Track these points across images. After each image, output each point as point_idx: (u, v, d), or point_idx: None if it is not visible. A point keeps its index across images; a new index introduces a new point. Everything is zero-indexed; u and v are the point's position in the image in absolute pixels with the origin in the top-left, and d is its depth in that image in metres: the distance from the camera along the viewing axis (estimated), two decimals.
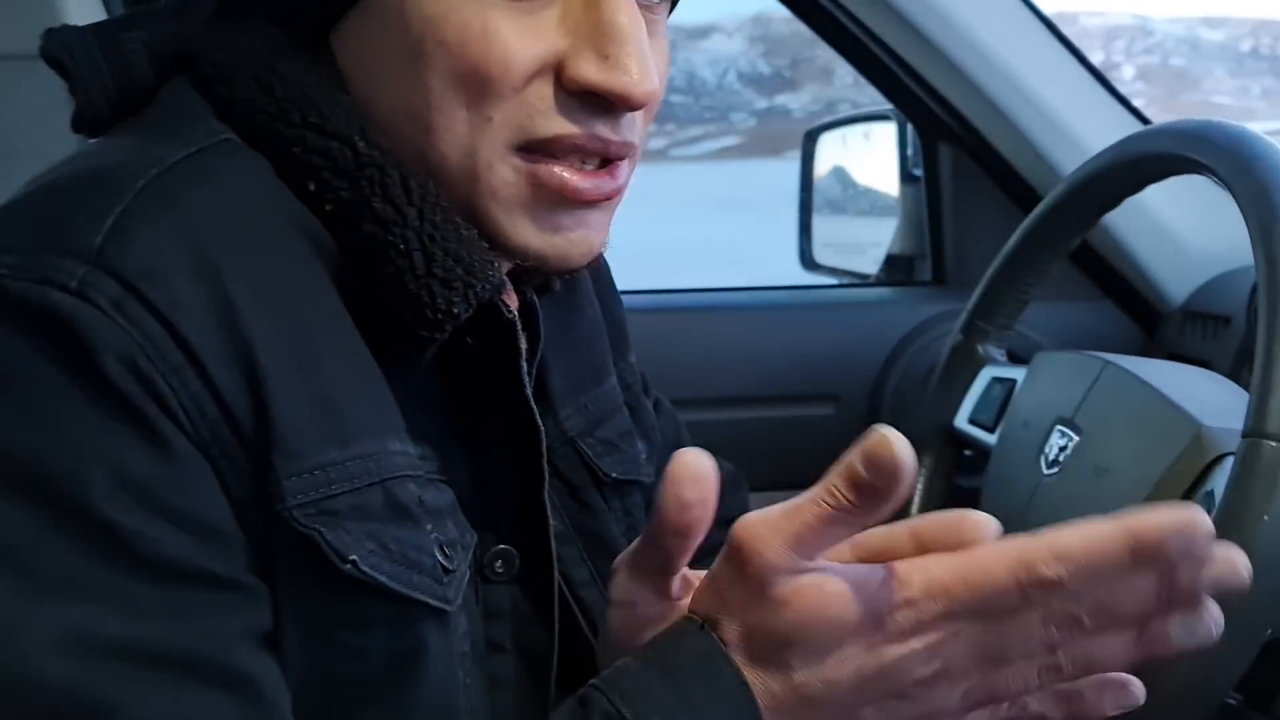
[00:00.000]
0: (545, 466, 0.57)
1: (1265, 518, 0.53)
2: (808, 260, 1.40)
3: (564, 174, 0.50)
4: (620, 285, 0.74)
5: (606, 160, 0.52)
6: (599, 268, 0.72)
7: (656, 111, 0.55)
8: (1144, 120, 1.12)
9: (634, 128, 0.52)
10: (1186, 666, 0.54)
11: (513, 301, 0.58)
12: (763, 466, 0.93)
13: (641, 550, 0.48)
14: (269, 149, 0.51)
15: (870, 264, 1.34)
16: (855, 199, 1.44)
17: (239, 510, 0.45)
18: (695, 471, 0.44)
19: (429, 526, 0.50)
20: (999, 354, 0.92)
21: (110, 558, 0.42)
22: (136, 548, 0.43)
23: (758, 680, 0.44)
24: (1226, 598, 0.53)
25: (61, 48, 0.53)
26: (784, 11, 1.15)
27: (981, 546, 0.44)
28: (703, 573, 0.47)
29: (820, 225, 1.41)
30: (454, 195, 0.51)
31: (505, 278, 0.55)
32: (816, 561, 0.43)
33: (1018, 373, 0.87)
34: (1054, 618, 0.42)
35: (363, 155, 0.50)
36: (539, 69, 0.49)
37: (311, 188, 0.50)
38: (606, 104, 0.50)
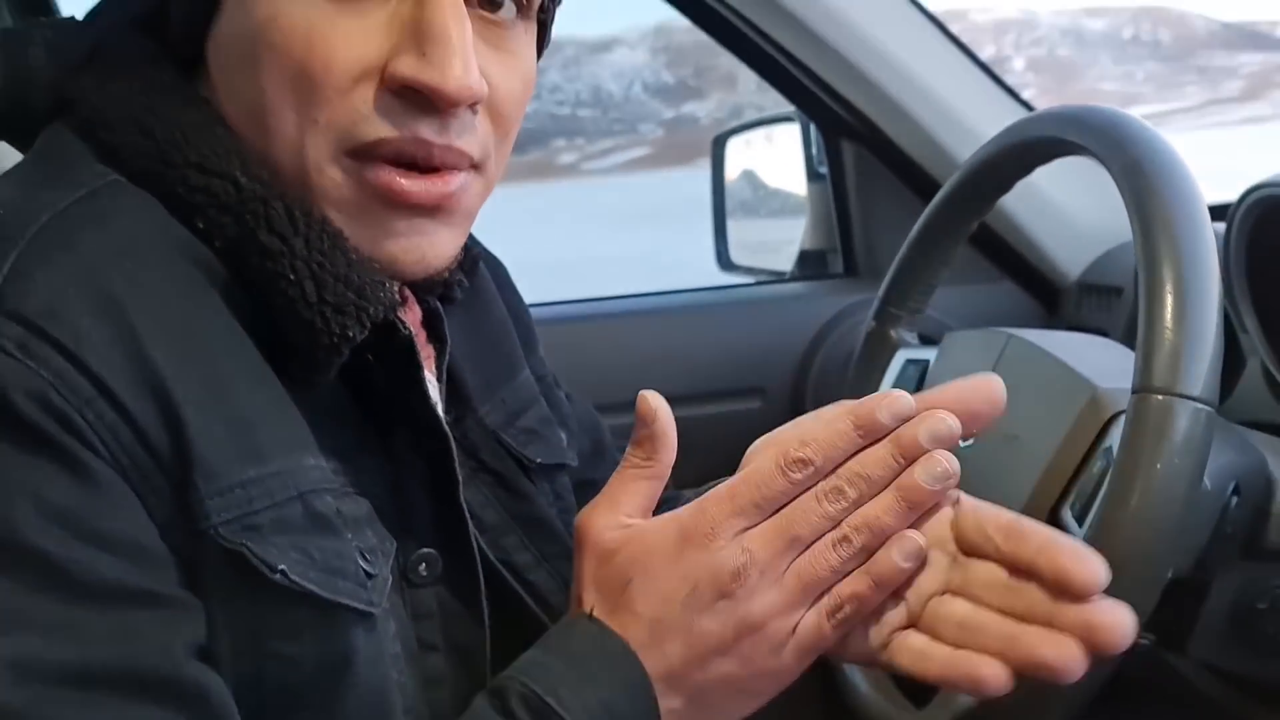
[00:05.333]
0: (458, 470, 0.58)
1: (1158, 465, 0.57)
2: (725, 261, 1.43)
3: (391, 176, 0.51)
4: (542, 299, 0.76)
5: (433, 167, 0.52)
6: (495, 267, 0.74)
7: (513, 127, 0.56)
8: (1030, 108, 1.18)
9: (468, 134, 0.53)
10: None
11: (414, 314, 0.59)
12: (695, 462, 0.95)
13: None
14: (155, 188, 0.51)
15: (785, 261, 1.38)
16: (766, 200, 1.48)
17: (162, 532, 0.46)
18: (993, 395, 0.52)
19: (349, 535, 0.51)
20: (911, 337, 0.96)
21: (48, 588, 0.43)
22: (73, 575, 0.43)
23: (618, 629, 0.51)
24: (1127, 544, 0.57)
25: None
26: (685, 21, 1.18)
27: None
28: None
29: (734, 228, 1.44)
30: (298, 202, 0.51)
31: (403, 294, 0.56)
32: (637, 519, 0.53)
33: (930, 353, 0.92)
34: (822, 493, 0.50)
35: (245, 190, 0.51)
36: (363, 72, 0.50)
37: (200, 225, 0.51)
38: (427, 103, 0.50)
